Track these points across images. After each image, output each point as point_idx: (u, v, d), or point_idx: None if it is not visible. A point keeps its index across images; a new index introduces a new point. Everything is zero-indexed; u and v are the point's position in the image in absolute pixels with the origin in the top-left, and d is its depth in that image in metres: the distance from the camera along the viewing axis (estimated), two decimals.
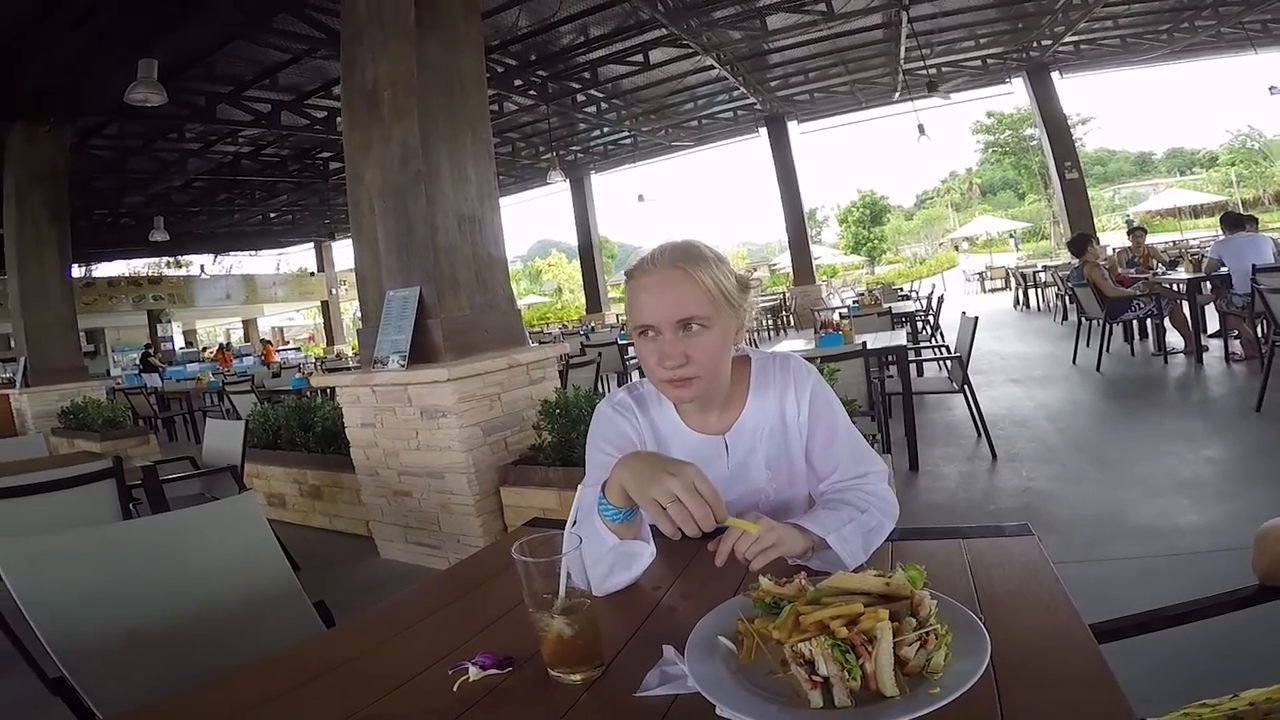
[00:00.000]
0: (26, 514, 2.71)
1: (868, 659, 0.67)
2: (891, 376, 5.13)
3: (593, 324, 16.29)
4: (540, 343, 4.85)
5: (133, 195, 13.05)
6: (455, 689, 0.83)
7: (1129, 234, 9.82)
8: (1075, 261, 7.75)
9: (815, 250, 20.14)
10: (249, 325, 30.24)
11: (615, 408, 1.30)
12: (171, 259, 26.38)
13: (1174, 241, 16.64)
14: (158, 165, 11.54)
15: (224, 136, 10.79)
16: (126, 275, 23.48)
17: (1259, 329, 5.96)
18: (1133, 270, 8.10)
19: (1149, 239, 9.72)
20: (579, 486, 1.07)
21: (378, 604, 1.19)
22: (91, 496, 2.91)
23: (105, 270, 23.41)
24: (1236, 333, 6.32)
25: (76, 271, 20.35)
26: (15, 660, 1.41)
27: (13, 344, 8.73)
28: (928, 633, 0.69)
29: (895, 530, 1.16)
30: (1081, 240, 7.50)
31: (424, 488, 3.83)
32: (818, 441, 1.26)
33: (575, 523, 0.94)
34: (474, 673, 0.85)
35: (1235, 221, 6.57)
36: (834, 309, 11.65)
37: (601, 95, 11.75)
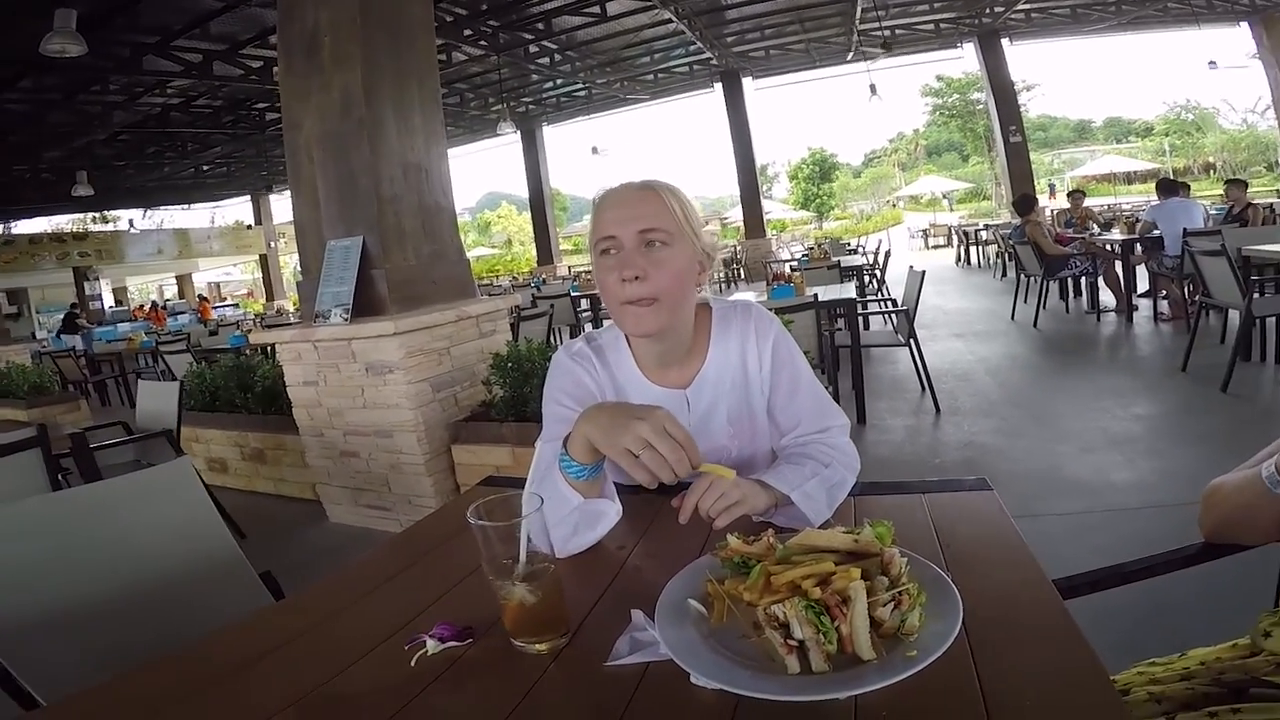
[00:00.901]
0: None
1: (843, 620, 0.65)
2: (840, 330, 5.19)
3: (544, 276, 16.06)
4: (490, 295, 4.74)
5: (52, 150, 12.22)
6: (413, 663, 0.79)
7: (1068, 196, 10.13)
8: (1017, 220, 7.96)
9: (766, 205, 20.18)
10: (183, 281, 28.84)
11: (573, 357, 1.25)
12: (98, 214, 24.87)
13: (1109, 205, 17.20)
14: (79, 119, 10.79)
15: (151, 88, 10.14)
16: (49, 232, 22.03)
17: (1185, 290, 6.23)
18: (1070, 230, 8.36)
19: (1086, 202, 10.03)
20: (536, 442, 1.03)
21: (328, 571, 1.14)
22: (17, 468, 2.75)
23: (26, 227, 21.92)
24: (1165, 293, 6.59)
25: None
26: None
27: None
28: (901, 592, 0.68)
29: (857, 485, 1.15)
30: (1028, 200, 7.71)
31: (372, 447, 3.74)
32: (780, 394, 1.23)
33: (535, 481, 0.89)
34: (432, 645, 0.80)
35: (1169, 187, 6.86)
36: (784, 262, 11.73)
37: (555, 47, 11.42)
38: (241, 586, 1.44)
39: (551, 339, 6.50)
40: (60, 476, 3.02)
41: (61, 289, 22.15)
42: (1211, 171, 32.40)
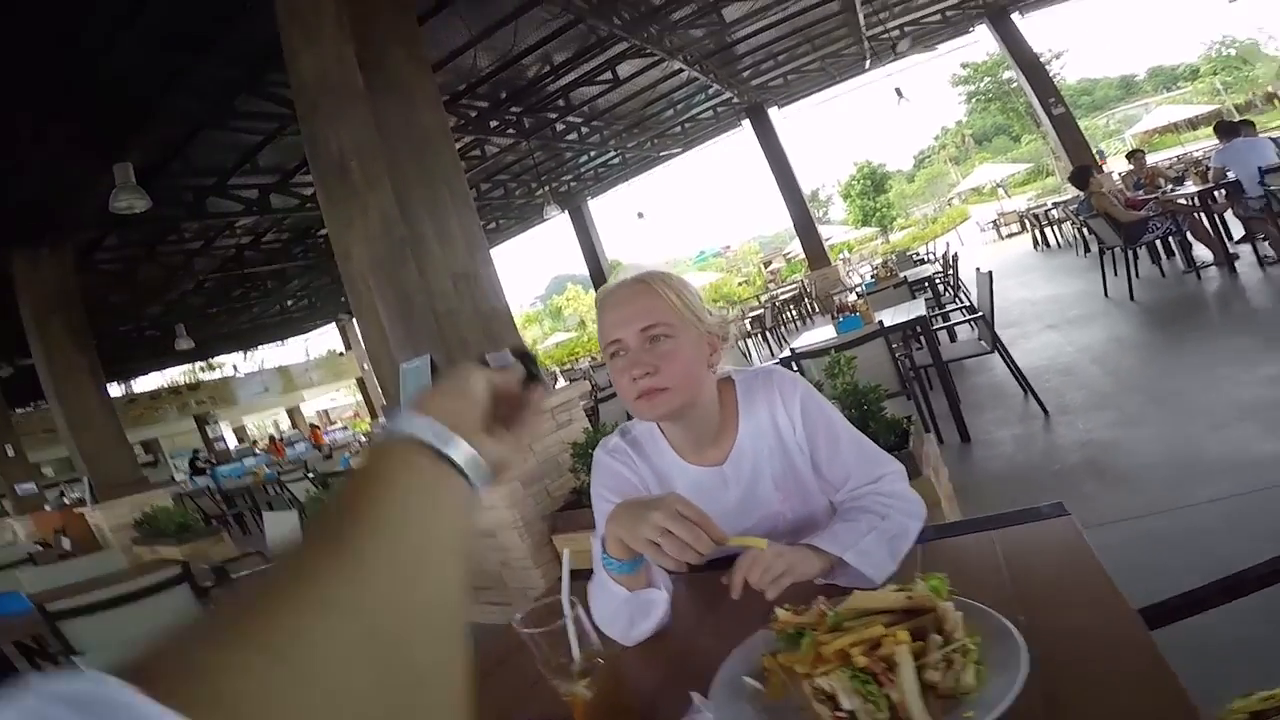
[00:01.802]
0: (114, 626, 2.88)
1: (892, 688, 0.62)
2: (921, 349, 5.01)
3: None
4: (571, 380, 4.84)
5: (150, 305, 13.32)
6: None
7: (1128, 158, 9.63)
8: (1082, 194, 7.58)
9: (825, 230, 19.87)
10: (293, 413, 30.92)
11: (611, 454, 1.28)
12: (204, 363, 27.14)
13: (1178, 156, 16.10)
14: (165, 271, 11.72)
15: (221, 230, 10.87)
16: (165, 386, 24.23)
17: None
18: (1141, 193, 7.89)
19: (1151, 158, 9.50)
20: (592, 538, 1.07)
21: None
22: (171, 602, 3.06)
23: (145, 384, 24.17)
24: (1263, 235, 6.09)
25: (117, 389, 21.12)
26: None
27: (74, 466, 9.00)
28: (953, 650, 0.65)
29: (926, 530, 1.10)
30: (1082, 172, 7.36)
31: (481, 547, 3.84)
32: (821, 452, 1.22)
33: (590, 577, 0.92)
34: None
35: (1229, 129, 6.46)
36: (851, 288, 11.49)
37: (579, 120, 11.73)
38: None
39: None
40: (211, 607, 3.27)
41: (187, 435, 24.14)
42: (1276, 101, 30.16)
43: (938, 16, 13.01)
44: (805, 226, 15.67)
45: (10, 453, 13.10)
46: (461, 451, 0.50)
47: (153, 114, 6.27)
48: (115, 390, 20.09)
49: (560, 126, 11.53)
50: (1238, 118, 8.09)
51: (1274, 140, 6.62)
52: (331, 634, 0.34)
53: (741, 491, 1.23)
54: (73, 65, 5.18)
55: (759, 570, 0.95)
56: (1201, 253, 6.75)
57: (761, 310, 13.39)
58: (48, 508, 11.32)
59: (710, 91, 12.95)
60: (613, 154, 14.93)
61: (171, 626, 0.33)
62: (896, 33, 11.99)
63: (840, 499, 1.22)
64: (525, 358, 0.67)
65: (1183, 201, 6.72)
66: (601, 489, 1.25)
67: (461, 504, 0.50)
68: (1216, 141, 7.09)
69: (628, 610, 1.02)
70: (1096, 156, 13.90)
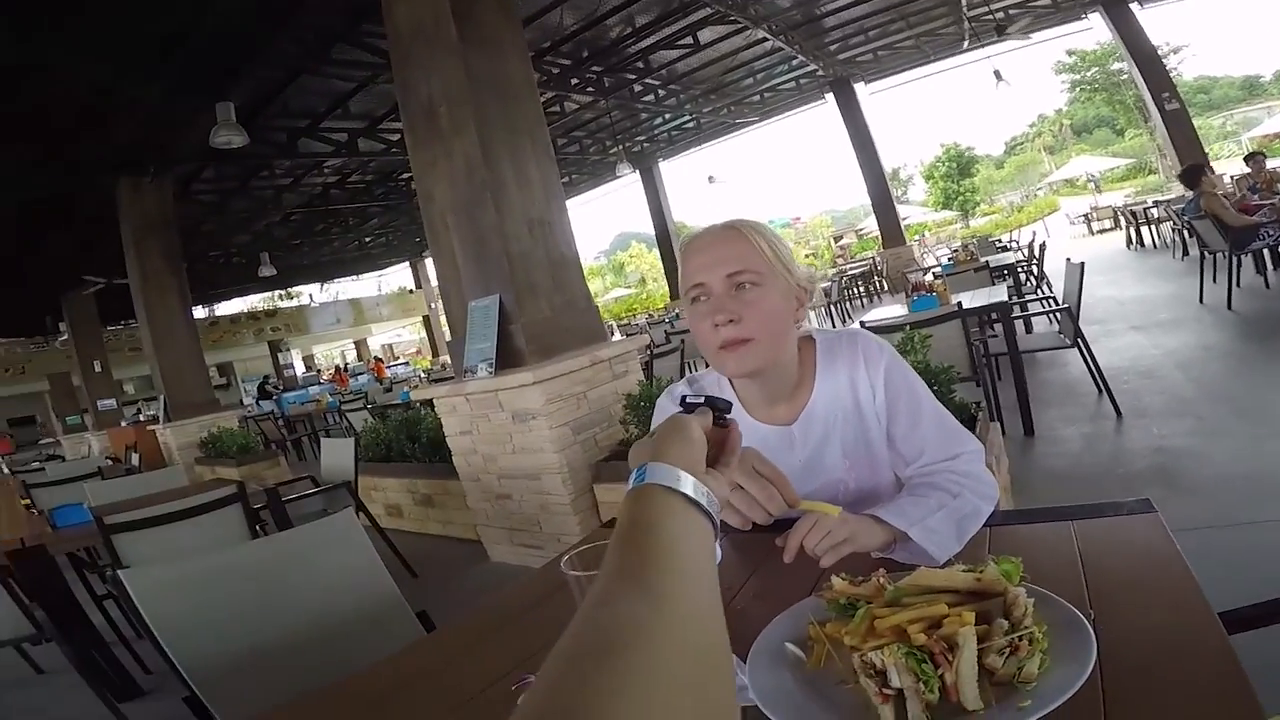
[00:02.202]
0: (170, 540, 3.01)
1: (948, 669, 0.59)
2: (995, 336, 4.81)
3: (677, 311, 16.24)
4: (628, 334, 4.85)
5: (239, 235, 13.98)
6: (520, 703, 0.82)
7: (1246, 160, 8.90)
8: (1189, 194, 7.06)
9: (903, 210, 19.27)
10: (360, 345, 32.04)
11: (675, 401, 1.24)
12: (283, 291, 28.30)
13: None
14: (256, 203, 12.24)
15: (310, 169, 11.32)
16: (246, 311, 25.39)
17: None
18: (1256, 197, 7.29)
19: (1271, 163, 8.76)
20: None
21: None
22: (224, 520, 3.20)
23: (226, 308, 25.37)
24: None
25: (200, 312, 22.23)
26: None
27: (153, 384, 9.54)
28: (1020, 637, 0.61)
29: (995, 513, 1.05)
30: (1194, 171, 6.83)
31: (522, 490, 3.92)
32: (900, 425, 1.16)
33: None
34: None
35: None
36: (927, 269, 11.10)
37: (658, 82, 11.61)
38: (400, 625, 1.56)
39: (685, 372, 6.53)
40: (259, 527, 3.43)
41: (260, 360, 25.33)
42: None
43: (1048, 1, 12.24)
44: (883, 204, 15.25)
45: (97, 368, 14.00)
46: (704, 495, 0.57)
47: (255, 58, 6.56)
48: (199, 313, 21.17)
49: (638, 88, 11.49)
50: None
51: None
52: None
53: (808, 455, 1.19)
54: (184, 9, 5.42)
55: (818, 535, 0.92)
56: None
57: (829, 284, 13.07)
58: (124, 424, 12.11)
59: (794, 63, 12.61)
60: (688, 118, 14.81)
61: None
62: (1001, 14, 11.28)
63: (910, 474, 1.16)
64: (714, 402, 0.75)
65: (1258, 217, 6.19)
66: None
67: (711, 541, 0.55)
68: None
69: None
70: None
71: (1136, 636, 0.68)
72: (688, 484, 0.56)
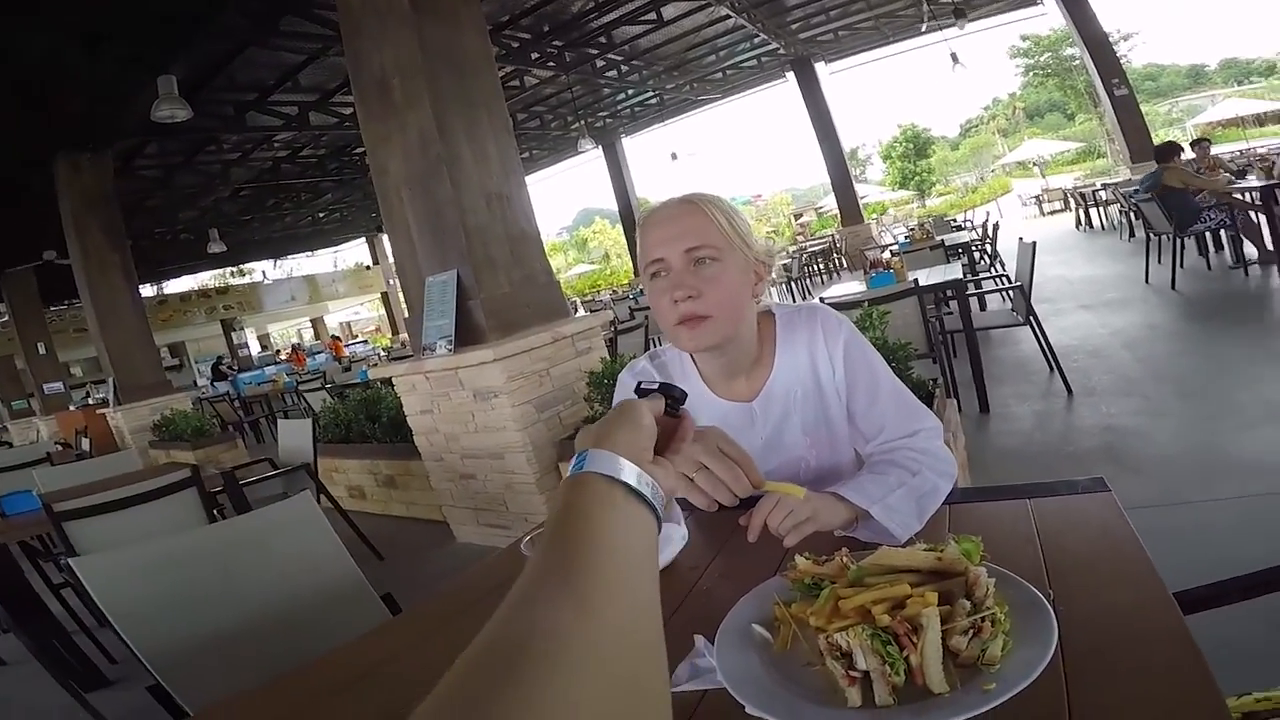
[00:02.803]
0: (124, 526, 2.92)
1: (913, 650, 0.60)
2: (950, 313, 4.90)
3: (640, 287, 16.20)
4: (592, 310, 4.82)
5: (185, 211, 13.45)
6: None
7: (1192, 146, 9.18)
8: (1136, 178, 7.26)
9: (861, 189, 19.45)
10: (317, 323, 31.29)
11: (636, 376, 1.23)
12: (234, 268, 27.41)
13: (1241, 150, 15.41)
14: (203, 178, 11.80)
15: (259, 143, 10.94)
16: (196, 289, 24.52)
17: None
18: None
19: (1214, 149, 9.04)
20: None
21: None
22: (179, 505, 3.11)
23: (176, 286, 24.49)
24: None
25: (148, 290, 21.43)
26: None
27: (100, 366, 9.19)
28: (983, 618, 0.62)
29: (954, 491, 1.06)
30: (1171, 147, 6.96)
31: (487, 469, 3.88)
32: (859, 401, 1.17)
33: None
34: None
35: None
36: (885, 247, 11.26)
37: (620, 58, 11.46)
38: (364, 607, 1.54)
39: (649, 349, 6.52)
40: (215, 511, 3.35)
41: (213, 340, 24.56)
42: None
43: None
44: (842, 183, 15.40)
45: (41, 350, 13.42)
46: (647, 485, 0.53)
47: (200, 30, 6.29)
48: (147, 291, 20.36)
49: (600, 63, 11.32)
50: None
51: None
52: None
53: (769, 432, 1.19)
54: None
55: (781, 514, 0.92)
56: (1251, 250, 6.48)
57: (789, 260, 13.19)
58: (73, 407, 11.66)
59: (756, 41, 12.58)
60: (650, 94, 14.67)
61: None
62: None
63: (870, 450, 1.18)
64: (668, 390, 0.71)
65: (1239, 195, 6.40)
66: None
67: (652, 536, 0.52)
68: None
69: None
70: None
71: (1095, 617, 0.69)
72: (630, 474, 0.53)
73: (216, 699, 1.07)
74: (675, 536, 1.02)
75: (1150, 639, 0.64)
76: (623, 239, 21.84)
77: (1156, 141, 9.91)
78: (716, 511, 0.94)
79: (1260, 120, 28.69)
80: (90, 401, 11.93)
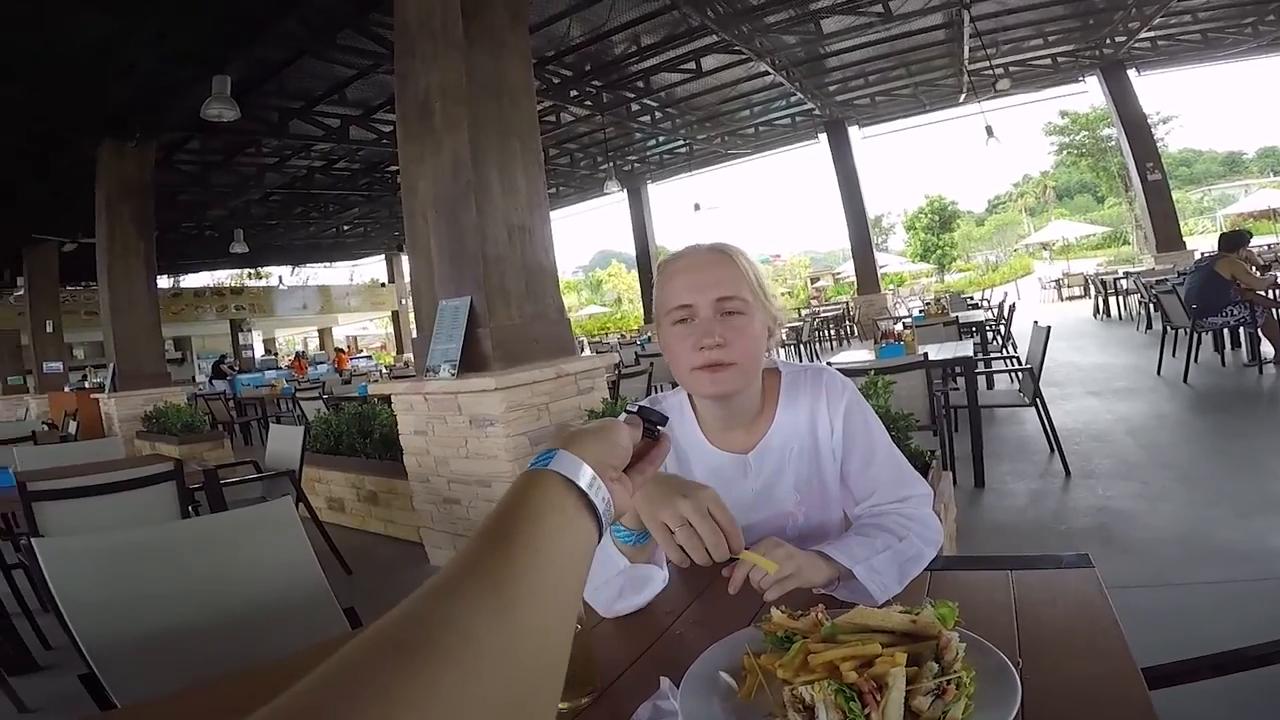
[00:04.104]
0: (97, 513, 2.88)
1: (875, 709, 0.58)
2: (957, 389, 4.89)
3: (649, 334, 16.27)
4: (598, 352, 4.83)
5: (215, 209, 13.68)
6: None
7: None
8: (1160, 268, 7.22)
9: (881, 258, 19.59)
10: (324, 334, 31.46)
11: None
12: (253, 270, 27.73)
13: (1269, 245, 15.37)
14: (237, 179, 12.05)
15: (298, 151, 11.20)
16: (211, 286, 24.78)
17: None
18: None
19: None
20: None
21: None
22: (156, 497, 3.07)
23: (192, 281, 24.74)
24: None
25: (165, 282, 21.66)
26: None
27: (104, 351, 9.24)
28: (948, 681, 0.61)
29: (937, 559, 1.06)
30: (1238, 236, 6.87)
31: (472, 496, 3.85)
32: (854, 463, 1.17)
33: None
34: None
35: None
36: (899, 318, 11.30)
37: (655, 104, 11.72)
38: (325, 618, 1.51)
39: (654, 393, 6.49)
40: (191, 508, 3.31)
41: (219, 338, 24.70)
42: None
43: (1048, 61, 12.64)
44: (862, 250, 15.49)
45: (49, 328, 13.51)
46: (602, 499, 0.53)
47: (260, 34, 6.51)
48: (163, 282, 20.55)
49: (636, 107, 11.56)
50: None
51: None
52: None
53: (760, 485, 1.19)
54: None
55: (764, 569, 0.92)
56: (1268, 349, 6.47)
57: (801, 324, 13.23)
58: (68, 389, 11.69)
59: (792, 99, 12.81)
60: (681, 143, 14.93)
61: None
62: (1000, 71, 11.62)
63: (859, 512, 1.17)
64: (648, 414, 0.70)
65: (1263, 292, 6.39)
66: None
67: (590, 548, 0.52)
68: None
69: (620, 582, 0.99)
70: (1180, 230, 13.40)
71: (1061, 685, 0.69)
72: (585, 478, 0.52)
73: (151, 695, 1.05)
74: (656, 578, 1.02)
75: (1113, 709, 0.65)
76: (637, 285, 21.98)
77: (1184, 229, 9.86)
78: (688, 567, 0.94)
79: None
80: (87, 385, 11.94)
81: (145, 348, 8.75)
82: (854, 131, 15.05)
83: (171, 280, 23.10)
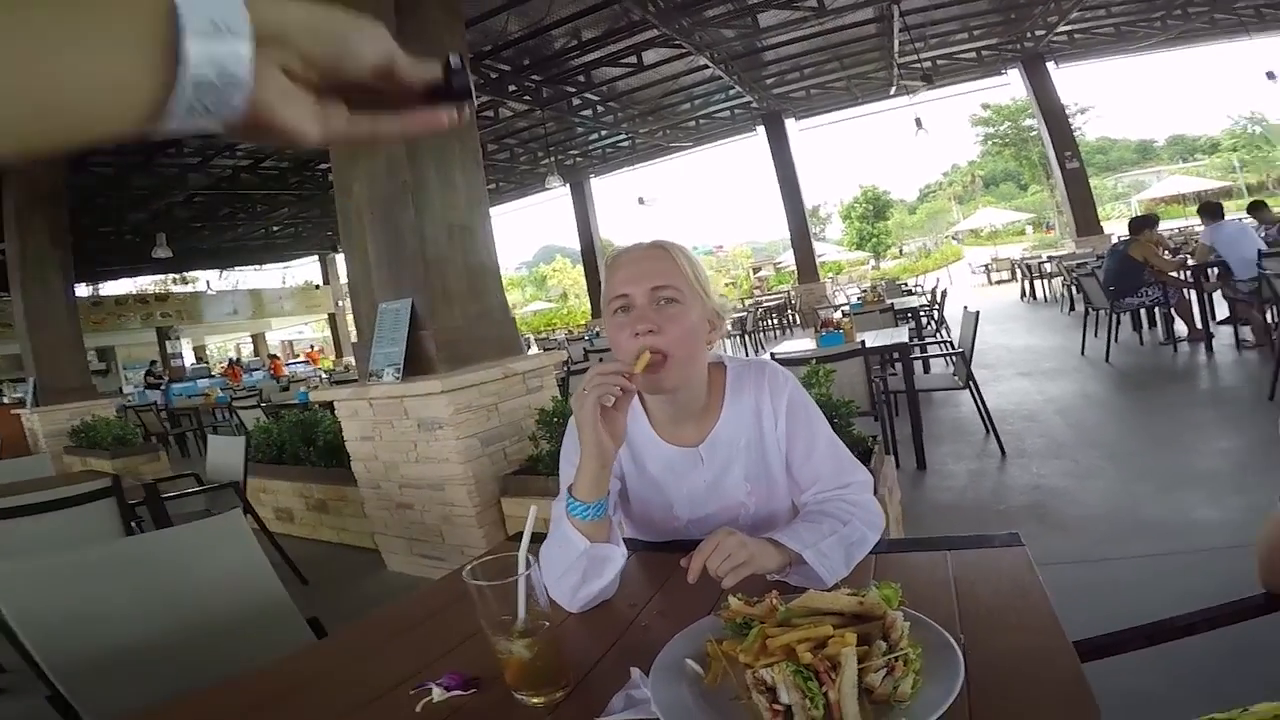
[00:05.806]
0: (31, 534, 2.74)
1: (831, 687, 0.63)
2: (895, 374, 5.06)
3: (597, 329, 16.24)
4: (546, 349, 4.81)
5: (136, 213, 13.11)
6: (419, 710, 0.82)
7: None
8: (1081, 251, 7.60)
9: (819, 248, 20.02)
10: (258, 340, 30.37)
11: None
12: (177, 275, 26.55)
13: (1179, 229, 16.38)
14: (158, 181, 11.57)
15: (221, 150, 10.79)
16: (134, 293, 23.61)
17: (1269, 315, 5.88)
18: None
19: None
20: (553, 505, 1.06)
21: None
22: (95, 515, 2.94)
23: (113, 288, 23.57)
24: (1246, 320, 6.23)
25: (84, 290, 20.57)
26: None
27: (23, 365, 8.76)
28: (896, 658, 0.66)
29: (880, 542, 1.13)
30: (1148, 220, 7.22)
31: (425, 500, 3.81)
32: (797, 452, 1.23)
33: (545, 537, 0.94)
34: (438, 693, 0.84)
35: (1214, 210, 6.55)
36: (838, 306, 11.59)
37: (597, 98, 11.74)
38: (288, 630, 1.50)
39: None
40: (133, 524, 3.19)
41: (146, 347, 23.58)
42: None
43: (972, 55, 13.20)
44: (801, 240, 15.81)
45: None
46: (217, 63, 0.34)
47: None
48: (81, 291, 19.51)
49: (576, 102, 11.54)
50: (1249, 197, 8.19)
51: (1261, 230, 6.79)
52: None
53: (712, 476, 1.24)
54: None
55: (720, 557, 0.97)
56: (1182, 328, 6.89)
57: (744, 314, 13.45)
58: None
59: (731, 92, 12.99)
60: (623, 137, 14.98)
61: None
62: (928, 64, 12.05)
63: (805, 500, 1.23)
64: (455, 67, 0.50)
65: (1174, 274, 6.80)
66: (573, 454, 1.23)
67: (140, 103, 0.34)
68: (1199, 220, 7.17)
69: (582, 564, 1.03)
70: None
71: (1000, 659, 0.74)
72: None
73: (121, 711, 1.05)
74: (615, 556, 1.06)
75: (1047, 680, 0.71)
76: (583, 280, 21.92)
77: (1101, 214, 10.41)
78: (655, 551, 0.98)
79: (1200, 199, 30.58)
80: (6, 400, 11.28)
81: (67, 360, 8.33)
82: (790, 124, 15.36)
83: (91, 288, 21.96)
